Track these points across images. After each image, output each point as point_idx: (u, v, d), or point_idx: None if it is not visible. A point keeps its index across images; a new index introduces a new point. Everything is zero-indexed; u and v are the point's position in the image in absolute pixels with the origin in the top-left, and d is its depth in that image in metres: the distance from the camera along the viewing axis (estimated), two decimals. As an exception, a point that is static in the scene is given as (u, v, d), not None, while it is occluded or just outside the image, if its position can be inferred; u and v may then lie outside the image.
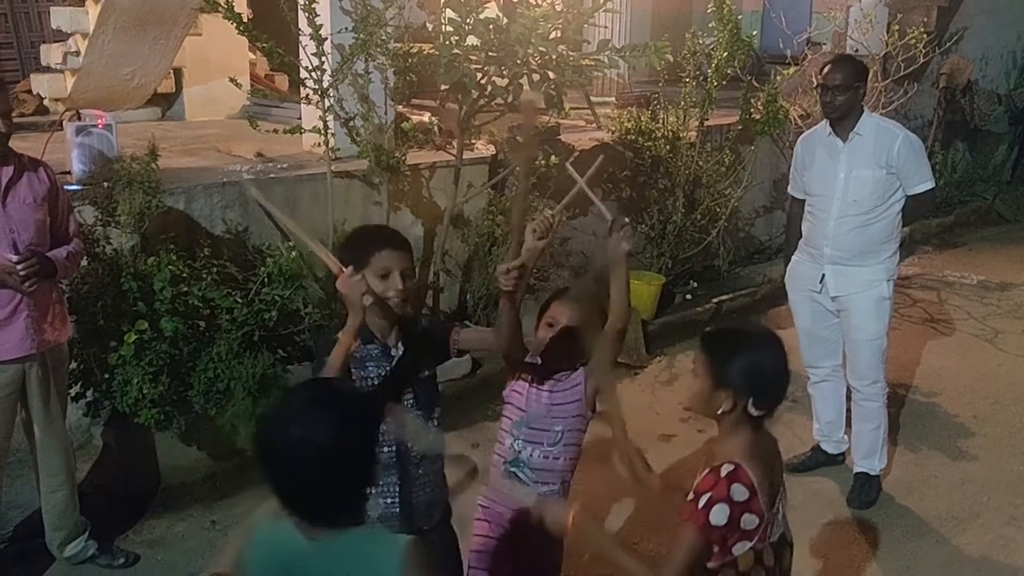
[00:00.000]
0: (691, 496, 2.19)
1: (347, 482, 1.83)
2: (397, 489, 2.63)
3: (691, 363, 2.40)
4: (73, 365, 4.24)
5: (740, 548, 2.19)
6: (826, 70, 4.17)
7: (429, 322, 3.43)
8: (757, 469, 2.18)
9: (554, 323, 2.78)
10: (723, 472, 2.16)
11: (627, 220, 2.61)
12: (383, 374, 2.61)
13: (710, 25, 6.66)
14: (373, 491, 2.56)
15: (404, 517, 2.64)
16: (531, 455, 2.78)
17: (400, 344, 2.64)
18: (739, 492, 2.15)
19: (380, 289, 2.54)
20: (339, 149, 5.22)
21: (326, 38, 4.92)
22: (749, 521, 2.16)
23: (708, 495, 2.15)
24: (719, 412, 2.22)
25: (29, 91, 7.64)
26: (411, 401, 2.64)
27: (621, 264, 2.56)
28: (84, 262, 4.30)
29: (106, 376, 4.23)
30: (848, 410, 4.54)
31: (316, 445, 1.76)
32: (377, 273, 2.55)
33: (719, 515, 2.13)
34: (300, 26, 5.03)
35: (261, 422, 1.87)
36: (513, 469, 2.80)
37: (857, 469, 4.44)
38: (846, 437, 4.60)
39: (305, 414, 1.80)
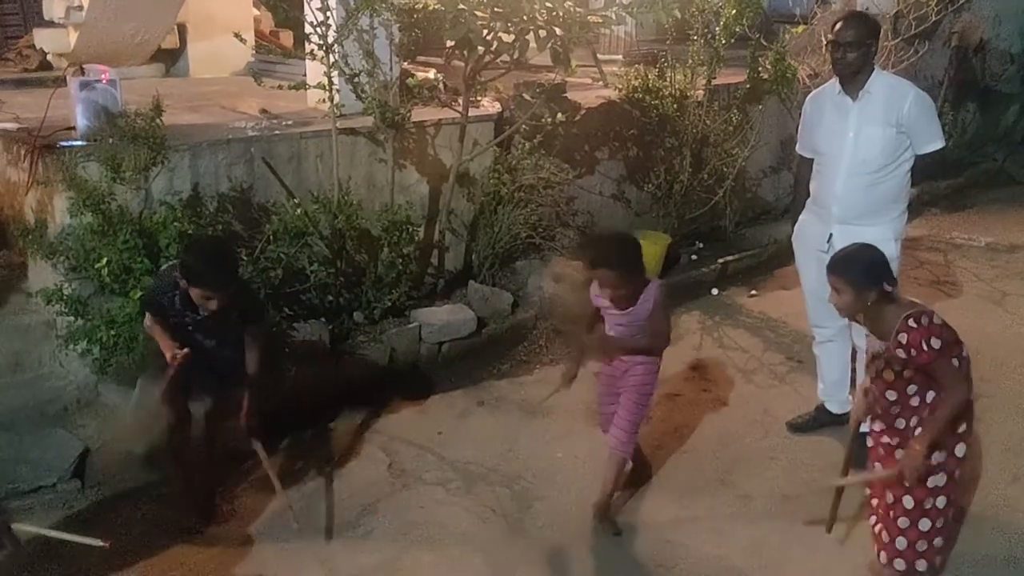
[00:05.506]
0: (914, 351, 3.02)
1: None
2: None
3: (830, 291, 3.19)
4: (80, 322, 4.25)
5: None
6: (838, 26, 4.11)
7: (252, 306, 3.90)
8: None
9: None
10: (920, 322, 3.01)
11: None
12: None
13: (719, -18, 6.57)
14: None
15: None
16: None
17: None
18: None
19: (198, 299, 3.46)
20: (344, 105, 5.19)
21: (331, -7, 4.88)
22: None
23: (929, 337, 3.01)
24: (869, 304, 3.10)
25: (32, 46, 7.58)
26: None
27: None
28: (89, 217, 4.29)
29: (112, 333, 4.24)
30: (853, 370, 4.54)
31: None
32: (201, 296, 3.44)
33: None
34: (305, -19, 4.97)
35: None
36: None
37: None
38: (850, 397, 4.60)
39: None
